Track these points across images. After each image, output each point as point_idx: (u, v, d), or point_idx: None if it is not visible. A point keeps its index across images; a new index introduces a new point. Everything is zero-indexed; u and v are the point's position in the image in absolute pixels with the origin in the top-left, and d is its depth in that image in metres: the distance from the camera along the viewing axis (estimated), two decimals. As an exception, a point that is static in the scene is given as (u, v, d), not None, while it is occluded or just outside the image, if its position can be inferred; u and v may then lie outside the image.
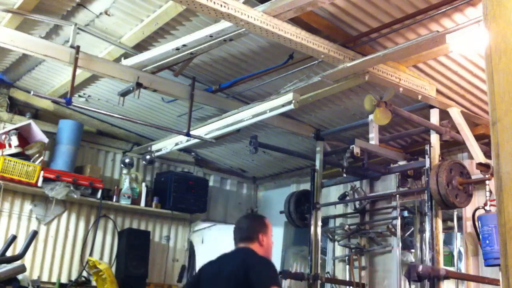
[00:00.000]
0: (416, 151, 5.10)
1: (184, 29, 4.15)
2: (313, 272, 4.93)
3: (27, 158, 5.40)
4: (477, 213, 4.23)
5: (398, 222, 4.74)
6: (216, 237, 7.00)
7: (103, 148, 6.40)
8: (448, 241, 6.09)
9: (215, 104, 5.08)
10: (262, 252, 3.13)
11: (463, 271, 4.77)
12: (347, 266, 5.29)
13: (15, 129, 5.41)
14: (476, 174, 4.32)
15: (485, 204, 4.14)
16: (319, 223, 5.09)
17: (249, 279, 2.88)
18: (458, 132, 4.52)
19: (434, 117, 4.50)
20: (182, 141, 5.71)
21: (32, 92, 4.38)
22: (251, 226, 3.21)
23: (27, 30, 4.38)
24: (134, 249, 5.93)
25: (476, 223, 4.21)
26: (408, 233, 4.92)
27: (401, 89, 4.08)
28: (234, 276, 2.97)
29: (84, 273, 5.87)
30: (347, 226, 5.35)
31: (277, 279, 2.98)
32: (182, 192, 6.31)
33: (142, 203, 6.22)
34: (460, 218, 4.82)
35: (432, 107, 4.49)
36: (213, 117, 5.34)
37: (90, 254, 5.94)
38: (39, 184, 5.38)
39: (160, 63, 4.40)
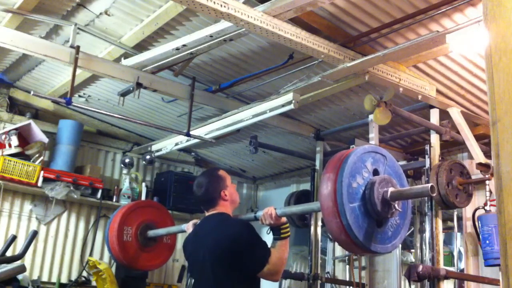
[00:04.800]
0: (416, 151, 5.10)
1: (184, 29, 4.15)
2: (313, 272, 4.93)
3: (27, 158, 5.40)
4: (477, 213, 4.23)
5: (398, 222, 4.74)
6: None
7: (103, 148, 6.40)
8: (448, 241, 6.10)
9: (215, 104, 5.08)
10: (229, 206, 3.09)
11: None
12: (347, 266, 5.29)
13: (15, 129, 5.41)
14: (476, 174, 4.32)
15: (485, 204, 4.14)
16: (319, 223, 5.09)
17: (237, 258, 2.83)
18: (458, 132, 4.52)
19: (434, 117, 4.50)
20: (182, 141, 5.71)
21: (32, 92, 4.38)
22: (209, 189, 3.09)
23: (27, 30, 4.38)
24: (134, 249, 5.92)
25: (476, 223, 4.21)
26: (408, 233, 4.92)
27: (401, 89, 4.08)
28: (215, 255, 2.90)
29: (84, 273, 5.87)
30: (347, 226, 5.34)
31: (261, 242, 2.90)
32: (182, 192, 6.30)
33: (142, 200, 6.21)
34: (460, 218, 4.82)
35: (432, 107, 4.49)
36: (213, 117, 5.34)
37: (90, 254, 5.94)
38: (39, 184, 5.38)
39: (160, 63, 4.40)
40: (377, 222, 2.45)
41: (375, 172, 2.51)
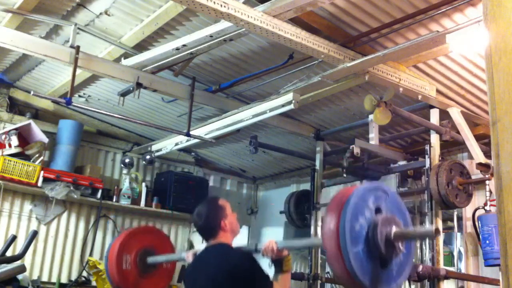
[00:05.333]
0: (416, 151, 5.10)
1: (184, 29, 4.15)
2: (313, 272, 4.93)
3: (27, 158, 5.40)
4: (477, 213, 4.24)
5: (398, 222, 4.73)
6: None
7: (103, 148, 6.40)
8: (448, 241, 6.10)
9: (215, 104, 5.08)
10: (230, 236, 3.06)
11: (463, 271, 4.77)
12: (347, 266, 5.28)
13: (15, 129, 5.41)
14: (476, 174, 4.32)
15: (485, 204, 4.14)
16: (319, 223, 5.09)
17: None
18: (458, 132, 4.52)
19: (434, 117, 4.50)
20: (182, 141, 5.71)
21: (32, 92, 4.38)
22: (209, 219, 3.06)
23: (27, 30, 4.38)
24: (134, 249, 5.92)
25: (476, 223, 4.21)
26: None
27: (401, 89, 4.08)
28: (216, 286, 2.89)
29: (84, 273, 5.87)
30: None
31: (263, 274, 2.87)
32: (182, 192, 6.31)
33: (142, 203, 6.22)
34: (460, 218, 4.82)
35: (432, 107, 4.49)
36: (213, 117, 5.34)
37: (90, 254, 5.94)
38: (39, 184, 5.38)
39: (160, 63, 4.40)
40: (381, 262, 2.41)
41: (378, 210, 2.45)
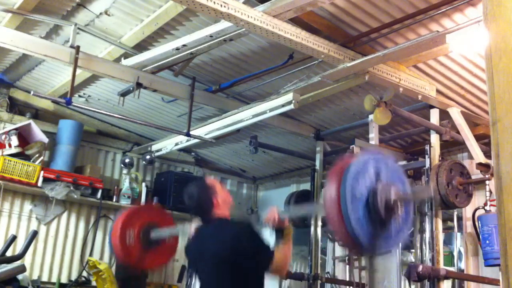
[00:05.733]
0: (416, 151, 5.10)
1: (184, 29, 4.15)
2: (313, 272, 4.93)
3: (27, 158, 5.40)
4: (477, 213, 4.23)
5: (398, 222, 4.73)
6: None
7: (103, 148, 6.40)
8: (448, 241, 6.09)
9: (215, 104, 5.08)
10: (225, 209, 3.11)
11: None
12: (347, 266, 5.29)
13: (15, 129, 5.41)
14: (476, 174, 4.32)
15: (485, 204, 4.14)
16: (319, 223, 5.09)
17: (241, 259, 2.86)
18: (458, 132, 4.52)
19: (434, 117, 4.50)
20: (182, 141, 5.71)
21: (32, 92, 4.38)
22: (201, 200, 3.14)
23: (27, 30, 4.38)
24: (134, 249, 5.92)
25: (476, 223, 4.21)
26: (408, 233, 4.91)
27: (401, 89, 4.08)
28: (219, 258, 2.95)
29: (84, 273, 5.87)
30: (347, 226, 5.34)
31: (264, 242, 2.94)
32: (182, 192, 6.28)
33: (142, 203, 6.21)
34: (460, 218, 4.81)
35: (432, 107, 4.49)
36: (213, 117, 5.34)
37: (90, 254, 5.93)
38: (39, 184, 5.38)
39: (160, 63, 4.40)
40: (381, 225, 2.49)
41: (378, 177, 2.53)
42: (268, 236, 3.03)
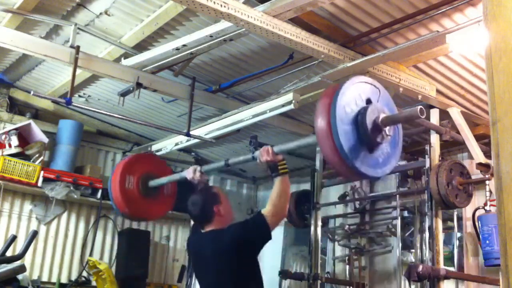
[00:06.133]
0: (416, 151, 5.09)
1: (184, 29, 4.15)
2: (313, 272, 4.93)
3: (27, 158, 5.40)
4: (477, 213, 4.23)
5: (398, 222, 4.74)
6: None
7: (103, 148, 6.40)
8: (448, 241, 6.09)
9: (215, 104, 5.08)
10: (224, 221, 3.16)
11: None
12: (347, 266, 5.29)
13: (15, 129, 5.41)
14: (476, 174, 4.31)
15: (485, 204, 4.14)
16: (319, 223, 5.09)
17: (242, 240, 2.96)
18: (458, 132, 4.52)
19: (434, 117, 4.49)
20: (182, 141, 5.70)
21: (32, 92, 4.38)
22: (204, 207, 3.18)
23: (27, 30, 4.38)
24: (134, 249, 5.93)
25: (476, 223, 4.21)
26: (408, 233, 4.91)
27: (401, 89, 4.08)
28: (220, 258, 3.03)
29: (84, 273, 5.87)
30: (347, 226, 5.34)
31: (255, 221, 3.04)
32: (182, 192, 6.27)
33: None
34: (460, 218, 4.81)
35: (432, 107, 4.49)
36: (213, 117, 5.34)
37: (90, 254, 5.94)
38: (39, 184, 5.38)
39: (160, 63, 4.40)
40: (369, 147, 2.54)
41: (368, 102, 2.60)
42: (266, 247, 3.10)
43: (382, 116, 2.54)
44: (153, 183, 4.17)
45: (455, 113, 4.49)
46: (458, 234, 5.08)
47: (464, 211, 4.58)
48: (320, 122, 2.46)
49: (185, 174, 3.67)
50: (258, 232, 2.98)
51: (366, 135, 2.49)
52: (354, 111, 2.51)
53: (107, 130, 6.40)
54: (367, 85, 2.64)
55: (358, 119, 2.50)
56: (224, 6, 3.18)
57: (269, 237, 2.98)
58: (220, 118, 5.11)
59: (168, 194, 4.36)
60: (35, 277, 5.56)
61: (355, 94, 2.55)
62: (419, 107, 2.47)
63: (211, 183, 6.96)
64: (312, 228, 5.11)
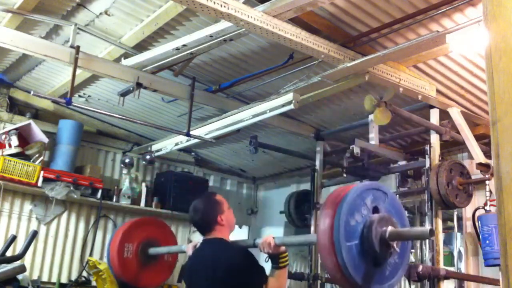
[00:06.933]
0: (416, 151, 5.10)
1: (184, 29, 4.15)
2: (313, 272, 4.93)
3: (27, 158, 5.40)
4: (477, 213, 4.24)
5: (398, 222, 4.74)
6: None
7: (103, 148, 6.39)
8: (448, 241, 6.09)
9: (215, 104, 5.08)
10: (226, 231, 3.10)
11: (463, 271, 4.76)
12: (347, 266, 5.28)
13: (15, 129, 5.41)
14: (476, 174, 4.32)
15: (485, 204, 4.14)
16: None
17: (234, 285, 2.86)
18: (458, 132, 4.52)
19: (434, 117, 4.50)
20: (182, 141, 5.71)
21: (32, 92, 4.38)
22: (205, 214, 3.10)
23: (27, 30, 4.38)
24: (134, 249, 5.91)
25: (476, 223, 4.21)
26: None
27: (401, 89, 4.08)
28: (214, 281, 2.93)
29: (84, 273, 5.87)
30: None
31: (259, 269, 2.91)
32: (182, 192, 6.30)
33: (142, 203, 6.21)
34: (460, 218, 4.82)
35: (432, 107, 4.49)
36: (213, 117, 5.34)
37: (90, 254, 5.93)
38: (39, 184, 5.38)
39: (160, 63, 4.40)
40: (375, 261, 2.36)
41: (375, 210, 2.41)
42: (264, 262, 2.98)
43: (390, 229, 2.34)
44: (152, 251, 4.12)
45: (455, 113, 4.49)
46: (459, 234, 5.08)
47: (464, 211, 4.58)
48: (323, 237, 2.28)
49: (185, 249, 3.56)
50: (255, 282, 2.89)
51: (373, 251, 2.31)
52: (360, 223, 2.33)
53: (107, 130, 6.40)
54: (373, 191, 2.44)
55: (364, 234, 2.31)
56: (224, 6, 3.18)
57: None
58: (220, 118, 5.11)
59: (168, 260, 4.32)
60: (35, 277, 5.56)
61: (360, 202, 2.35)
62: (429, 228, 2.31)
63: (211, 183, 6.97)
64: (312, 228, 5.11)
